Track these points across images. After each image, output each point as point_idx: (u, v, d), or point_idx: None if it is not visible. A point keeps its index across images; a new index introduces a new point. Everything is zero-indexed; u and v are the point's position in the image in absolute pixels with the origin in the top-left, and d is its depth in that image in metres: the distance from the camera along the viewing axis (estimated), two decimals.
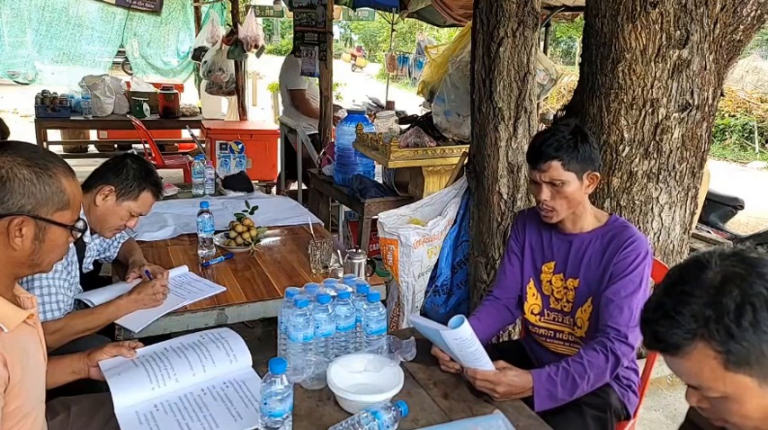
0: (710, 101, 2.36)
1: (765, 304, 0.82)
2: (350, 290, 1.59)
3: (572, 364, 1.55)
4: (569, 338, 1.78)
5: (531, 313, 1.84)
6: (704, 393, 0.89)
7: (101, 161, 2.23)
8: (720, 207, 4.81)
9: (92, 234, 2.10)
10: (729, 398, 0.87)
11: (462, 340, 1.47)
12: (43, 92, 6.13)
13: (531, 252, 1.85)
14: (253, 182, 3.61)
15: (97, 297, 1.97)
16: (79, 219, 1.23)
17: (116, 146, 7.24)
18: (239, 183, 3.48)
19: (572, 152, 1.63)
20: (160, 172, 2.35)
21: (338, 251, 2.36)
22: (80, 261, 2.06)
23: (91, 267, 2.19)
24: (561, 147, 1.63)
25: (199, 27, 8.05)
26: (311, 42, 4.94)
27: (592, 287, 1.70)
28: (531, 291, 1.84)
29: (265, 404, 1.21)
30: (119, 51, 8.13)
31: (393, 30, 9.61)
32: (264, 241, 2.64)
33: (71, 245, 1.47)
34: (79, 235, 1.25)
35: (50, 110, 6.00)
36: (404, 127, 3.79)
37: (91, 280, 2.23)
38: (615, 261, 1.65)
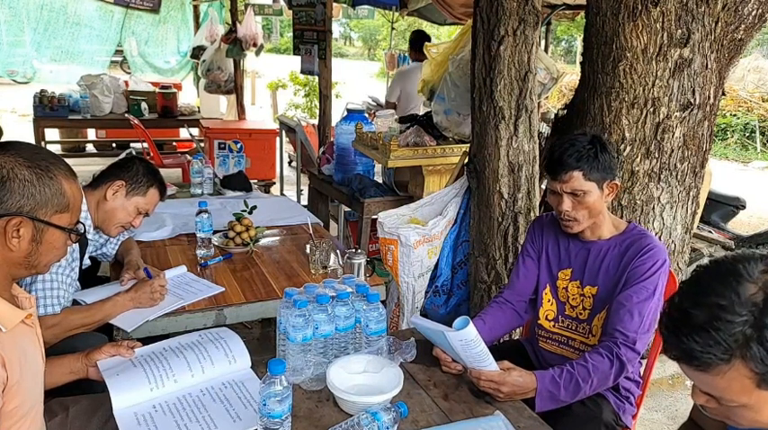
0: (712, 100, 2.34)
1: None
2: (349, 290, 1.58)
3: (576, 367, 1.55)
4: (580, 347, 1.77)
5: (546, 319, 1.84)
6: (721, 402, 0.87)
7: (99, 160, 2.24)
8: (722, 206, 4.79)
9: (94, 229, 2.11)
10: (747, 407, 0.86)
11: (467, 341, 1.46)
12: (41, 91, 6.11)
13: (548, 258, 1.84)
14: (252, 181, 3.60)
15: (91, 297, 1.96)
16: (78, 222, 1.23)
17: (114, 145, 7.21)
18: (238, 182, 3.47)
19: (592, 162, 1.62)
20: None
21: (337, 251, 2.35)
22: (81, 258, 2.06)
23: (87, 262, 2.19)
24: (582, 158, 1.62)
25: (197, 26, 8.04)
26: (310, 41, 4.94)
27: (610, 294, 1.69)
28: (547, 297, 1.83)
29: (264, 405, 1.21)
30: (117, 50, 8.11)
31: (393, 28, 9.60)
32: (263, 241, 2.62)
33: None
34: (78, 238, 1.25)
35: (49, 109, 5.98)
36: (404, 126, 3.78)
37: (89, 278, 2.22)
38: (631, 267, 1.64)
